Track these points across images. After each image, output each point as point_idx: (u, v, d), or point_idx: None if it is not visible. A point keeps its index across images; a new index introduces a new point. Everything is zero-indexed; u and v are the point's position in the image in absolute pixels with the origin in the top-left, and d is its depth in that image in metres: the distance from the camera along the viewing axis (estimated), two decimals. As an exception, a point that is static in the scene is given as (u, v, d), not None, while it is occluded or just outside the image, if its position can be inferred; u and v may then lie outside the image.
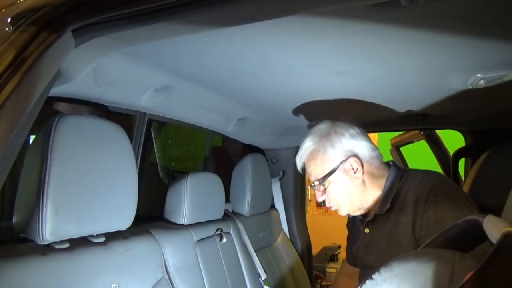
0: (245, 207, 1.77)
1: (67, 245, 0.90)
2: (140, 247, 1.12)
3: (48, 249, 0.87)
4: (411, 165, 2.65)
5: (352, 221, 1.37)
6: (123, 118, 1.35)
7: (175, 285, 1.23)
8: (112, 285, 0.98)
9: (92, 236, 0.97)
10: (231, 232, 1.62)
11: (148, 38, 0.78)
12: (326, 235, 3.70)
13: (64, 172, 0.84)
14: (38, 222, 0.80)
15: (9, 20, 0.62)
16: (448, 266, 0.50)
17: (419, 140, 2.42)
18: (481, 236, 0.49)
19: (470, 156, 2.02)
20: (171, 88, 1.18)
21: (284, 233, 2.14)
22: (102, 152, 0.94)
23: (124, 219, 1.01)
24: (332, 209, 1.22)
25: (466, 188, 1.73)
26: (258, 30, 0.79)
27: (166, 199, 1.42)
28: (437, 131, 2.35)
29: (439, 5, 0.68)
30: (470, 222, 0.54)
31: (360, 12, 0.70)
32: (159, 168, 1.91)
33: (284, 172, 2.14)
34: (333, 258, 3.48)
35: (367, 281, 0.55)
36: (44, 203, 0.80)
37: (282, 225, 2.15)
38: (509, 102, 1.37)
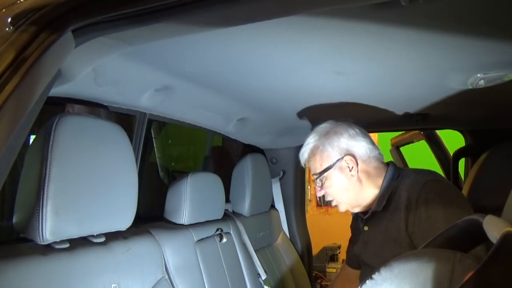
0: (245, 207, 1.77)
1: (67, 245, 0.90)
2: (140, 247, 1.12)
3: (48, 249, 0.87)
4: (411, 165, 2.64)
5: (355, 220, 1.41)
6: (123, 118, 1.35)
7: (175, 285, 1.23)
8: (112, 285, 0.98)
9: (92, 236, 0.97)
10: (231, 232, 1.62)
11: (148, 38, 0.78)
12: (326, 235, 3.70)
13: (64, 172, 0.84)
14: (38, 222, 0.80)
15: (9, 20, 0.62)
16: (448, 266, 0.50)
17: (419, 140, 2.42)
18: (481, 236, 0.49)
19: (470, 156, 2.02)
20: (171, 88, 1.18)
21: (284, 233, 2.14)
22: (102, 152, 0.93)
23: (124, 219, 1.01)
24: (332, 204, 1.29)
25: (466, 188, 1.74)
26: (258, 31, 0.79)
27: (166, 199, 1.42)
28: (437, 131, 2.35)
29: (439, 6, 0.68)
30: (470, 222, 0.54)
31: (360, 12, 0.71)
32: (159, 168, 1.91)
33: (284, 172, 2.14)
34: (333, 258, 3.48)
35: (367, 281, 0.55)
36: (44, 203, 0.80)
37: (282, 225, 2.14)
38: (509, 102, 1.37)
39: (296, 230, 2.17)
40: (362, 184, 1.22)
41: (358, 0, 0.63)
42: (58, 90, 0.89)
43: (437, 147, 2.38)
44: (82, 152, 0.88)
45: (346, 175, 1.21)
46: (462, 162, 2.09)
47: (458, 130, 2.06)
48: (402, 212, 1.13)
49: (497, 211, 0.52)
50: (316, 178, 1.26)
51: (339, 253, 3.57)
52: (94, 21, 0.65)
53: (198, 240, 1.39)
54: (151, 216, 1.44)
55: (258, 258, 1.74)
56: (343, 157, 1.21)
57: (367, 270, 1.28)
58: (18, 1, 0.64)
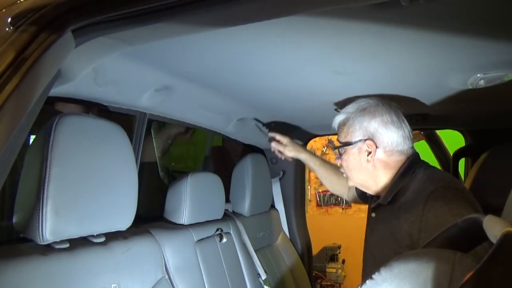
0: (245, 207, 1.77)
1: (67, 245, 0.90)
2: (140, 247, 1.12)
3: (48, 249, 0.87)
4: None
5: (370, 200, 1.39)
6: (123, 118, 1.35)
7: (175, 285, 1.23)
8: (112, 285, 0.98)
9: (92, 236, 0.97)
10: (231, 232, 1.62)
11: (148, 38, 0.78)
12: (326, 235, 3.71)
13: (64, 172, 0.84)
14: (38, 222, 0.80)
15: (9, 20, 0.62)
16: (448, 266, 0.50)
17: (419, 140, 2.42)
18: (481, 236, 0.49)
19: (470, 156, 2.02)
20: (171, 88, 1.18)
21: (284, 233, 2.14)
22: (102, 152, 0.94)
23: (124, 219, 1.01)
24: (344, 176, 1.31)
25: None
26: (258, 31, 0.79)
27: (166, 199, 1.42)
28: (437, 131, 2.35)
29: (439, 5, 0.68)
30: (470, 221, 0.54)
31: (360, 12, 0.71)
32: (159, 168, 1.91)
33: (284, 172, 2.14)
34: (333, 258, 3.48)
35: (367, 281, 0.55)
36: (44, 203, 0.80)
37: (282, 225, 2.15)
38: (509, 102, 1.37)
39: (296, 230, 2.17)
40: (376, 171, 1.20)
41: (358, 0, 0.63)
42: (58, 90, 0.89)
43: (437, 147, 2.38)
44: (82, 152, 0.89)
45: (363, 157, 1.20)
46: (462, 162, 2.09)
47: (458, 130, 2.06)
48: (407, 213, 1.10)
49: (497, 211, 0.52)
50: (336, 147, 1.28)
51: (339, 253, 3.57)
52: (94, 21, 0.65)
53: (198, 240, 1.39)
54: (151, 216, 1.44)
55: (258, 258, 1.74)
56: (365, 140, 1.19)
57: (368, 258, 1.27)
58: (18, 1, 0.64)
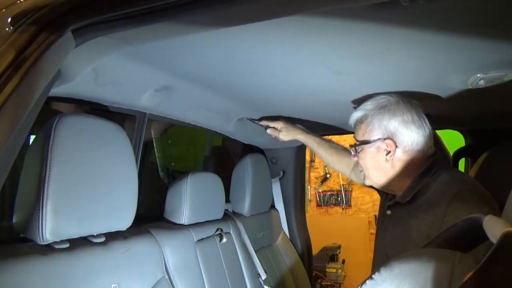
0: (245, 207, 1.77)
1: (67, 245, 0.90)
2: (140, 247, 1.12)
3: (48, 249, 0.87)
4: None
5: (384, 195, 1.36)
6: (123, 118, 1.35)
7: (175, 285, 1.23)
8: (112, 285, 0.98)
9: (92, 236, 0.97)
10: (231, 232, 1.62)
11: (148, 38, 0.78)
12: (326, 235, 3.71)
13: (64, 172, 0.84)
14: (38, 222, 0.80)
15: (9, 20, 0.62)
16: (448, 266, 0.50)
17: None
18: (481, 236, 0.49)
19: (470, 156, 2.02)
20: (171, 88, 1.18)
21: (284, 233, 2.14)
22: (102, 152, 0.94)
23: (124, 219, 1.01)
24: (361, 174, 1.27)
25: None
26: (258, 31, 0.79)
27: (166, 199, 1.42)
28: (437, 131, 2.35)
29: (439, 5, 0.68)
30: (470, 221, 0.54)
31: (360, 12, 0.70)
32: (159, 168, 1.91)
33: (284, 172, 2.14)
34: (333, 258, 3.48)
35: (367, 281, 0.55)
36: (44, 203, 0.80)
37: (282, 225, 2.15)
38: (509, 102, 1.37)
39: (296, 230, 2.17)
40: (395, 171, 1.17)
41: (358, 0, 0.63)
42: (58, 90, 0.89)
43: (437, 147, 2.37)
44: (82, 152, 0.89)
45: (381, 157, 1.16)
46: (462, 162, 2.09)
47: (458, 130, 2.06)
48: (428, 214, 1.08)
49: (497, 211, 0.52)
50: (353, 145, 1.23)
51: (339, 253, 3.57)
52: (94, 21, 0.65)
53: (198, 240, 1.39)
54: (151, 216, 1.44)
55: (258, 258, 1.74)
56: (384, 139, 1.15)
57: (380, 257, 1.24)
58: (18, 1, 0.64)
